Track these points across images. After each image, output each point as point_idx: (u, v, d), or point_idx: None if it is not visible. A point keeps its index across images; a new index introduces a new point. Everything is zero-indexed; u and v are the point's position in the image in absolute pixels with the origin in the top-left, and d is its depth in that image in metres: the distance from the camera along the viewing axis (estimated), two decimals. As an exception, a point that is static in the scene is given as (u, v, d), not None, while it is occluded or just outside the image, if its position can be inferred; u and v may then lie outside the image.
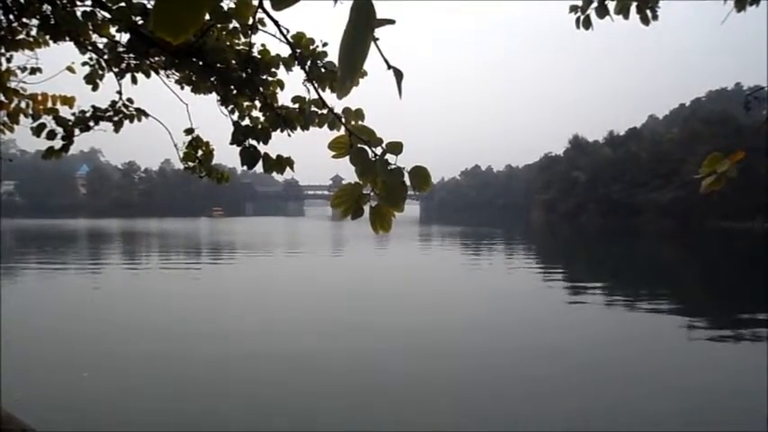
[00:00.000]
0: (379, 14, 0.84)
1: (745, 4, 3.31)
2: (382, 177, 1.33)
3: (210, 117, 3.80)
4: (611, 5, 3.55)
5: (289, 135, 3.29)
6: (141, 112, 3.77)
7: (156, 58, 3.40)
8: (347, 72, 0.81)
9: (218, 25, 3.15)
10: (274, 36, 2.62)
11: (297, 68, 3.20)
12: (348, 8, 0.78)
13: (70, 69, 3.64)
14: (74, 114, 3.57)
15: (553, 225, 72.24)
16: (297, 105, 3.26)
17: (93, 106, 3.60)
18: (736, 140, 45.11)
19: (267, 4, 0.94)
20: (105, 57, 3.54)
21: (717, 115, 65.37)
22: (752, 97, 3.36)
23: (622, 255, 34.49)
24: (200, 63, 3.23)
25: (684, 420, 7.25)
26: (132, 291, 18.44)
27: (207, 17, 2.95)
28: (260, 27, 2.90)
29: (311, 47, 3.06)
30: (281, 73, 3.32)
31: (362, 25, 0.77)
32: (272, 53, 3.27)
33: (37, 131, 3.45)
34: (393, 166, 1.33)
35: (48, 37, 3.31)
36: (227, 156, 4.19)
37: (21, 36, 3.45)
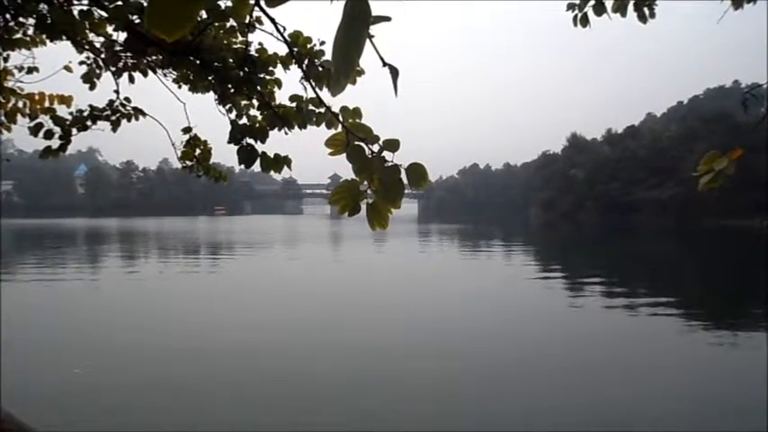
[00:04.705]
0: (375, 12, 0.84)
1: (741, 2, 3.32)
2: (379, 174, 1.33)
3: (208, 116, 3.80)
4: (609, 3, 3.55)
5: (286, 134, 3.28)
6: (139, 112, 3.76)
7: (154, 57, 3.40)
8: (342, 69, 0.81)
9: (216, 24, 3.15)
10: (271, 35, 2.62)
11: (294, 67, 3.20)
12: (343, 6, 0.78)
13: (67, 68, 3.63)
14: (71, 114, 3.57)
15: (551, 223, 72.25)
16: (294, 104, 3.26)
17: (90, 105, 3.59)
18: (735, 138, 44.98)
19: (263, 3, 0.94)
20: (102, 56, 3.53)
21: (715, 113, 65.29)
22: (750, 95, 3.35)
23: (620, 253, 34.52)
24: (198, 62, 3.22)
25: (684, 420, 7.26)
26: (130, 289, 18.41)
27: (204, 15, 2.94)
28: (257, 26, 2.90)
29: (308, 45, 3.07)
30: (279, 71, 3.33)
31: (357, 22, 0.77)
32: (270, 52, 3.27)
33: (34, 131, 3.44)
34: (390, 163, 1.33)
35: (44, 36, 3.30)
36: (224, 155, 4.19)
37: (17, 35, 3.44)
